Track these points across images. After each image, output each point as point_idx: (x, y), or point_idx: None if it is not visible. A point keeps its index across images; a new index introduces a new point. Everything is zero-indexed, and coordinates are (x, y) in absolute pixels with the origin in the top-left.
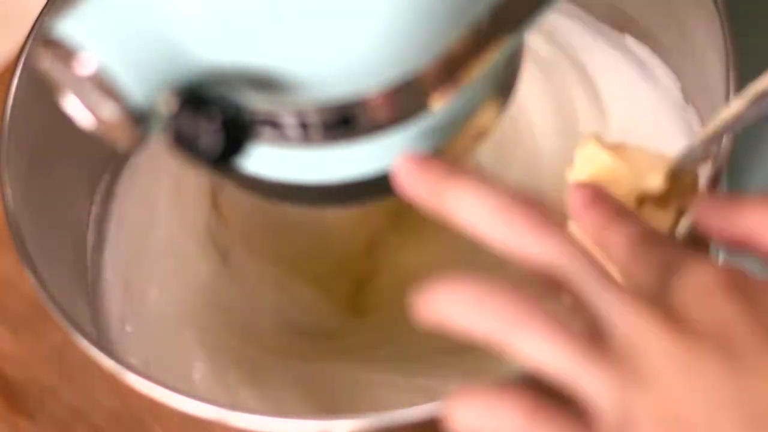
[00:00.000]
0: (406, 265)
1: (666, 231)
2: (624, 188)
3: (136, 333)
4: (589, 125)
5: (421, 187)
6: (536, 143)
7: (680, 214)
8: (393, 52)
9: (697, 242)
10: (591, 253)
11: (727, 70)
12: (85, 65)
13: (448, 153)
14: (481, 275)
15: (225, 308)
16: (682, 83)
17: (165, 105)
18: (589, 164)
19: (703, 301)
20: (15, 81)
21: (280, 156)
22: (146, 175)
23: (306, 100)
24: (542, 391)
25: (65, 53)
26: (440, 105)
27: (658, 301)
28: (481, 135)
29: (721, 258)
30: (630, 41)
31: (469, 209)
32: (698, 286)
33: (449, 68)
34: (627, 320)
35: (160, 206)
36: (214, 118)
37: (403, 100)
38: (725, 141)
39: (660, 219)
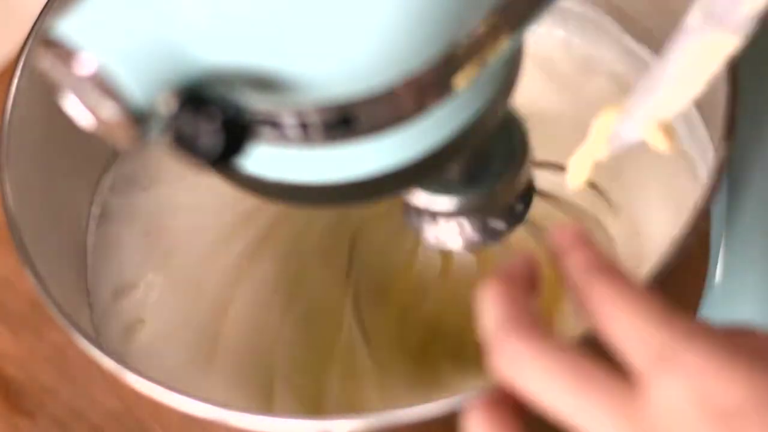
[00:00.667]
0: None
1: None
2: None
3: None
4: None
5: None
6: None
7: None
8: (393, 52)
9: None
10: None
11: (727, 71)
12: (85, 65)
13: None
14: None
15: (226, 308)
16: None
17: (165, 105)
18: (605, 133)
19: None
20: (15, 81)
21: (280, 156)
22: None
23: (306, 100)
24: None
25: (65, 53)
26: (441, 104)
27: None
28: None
29: (720, 260)
30: (630, 41)
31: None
32: (674, 405)
33: (449, 68)
34: None
35: None
36: (214, 118)
37: (404, 100)
38: (725, 145)
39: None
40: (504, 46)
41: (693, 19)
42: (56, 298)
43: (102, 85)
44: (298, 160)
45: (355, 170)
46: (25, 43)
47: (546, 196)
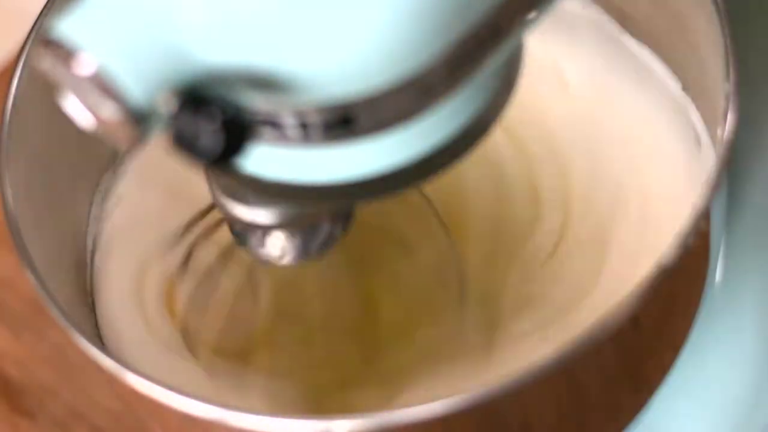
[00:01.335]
0: None
1: None
2: None
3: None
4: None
5: None
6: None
7: None
8: (394, 52)
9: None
10: None
11: (727, 70)
12: (85, 65)
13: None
14: None
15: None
16: (683, 83)
17: (165, 105)
18: None
19: None
20: (15, 81)
21: (279, 156)
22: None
23: (306, 100)
24: None
25: (65, 53)
26: (441, 104)
27: None
28: None
29: (720, 260)
30: (630, 41)
31: None
32: None
33: (450, 67)
34: None
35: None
36: (214, 118)
37: (404, 100)
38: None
39: None
40: (504, 45)
41: None
42: (56, 298)
43: (102, 85)
44: (298, 159)
45: (356, 170)
46: (25, 43)
47: None
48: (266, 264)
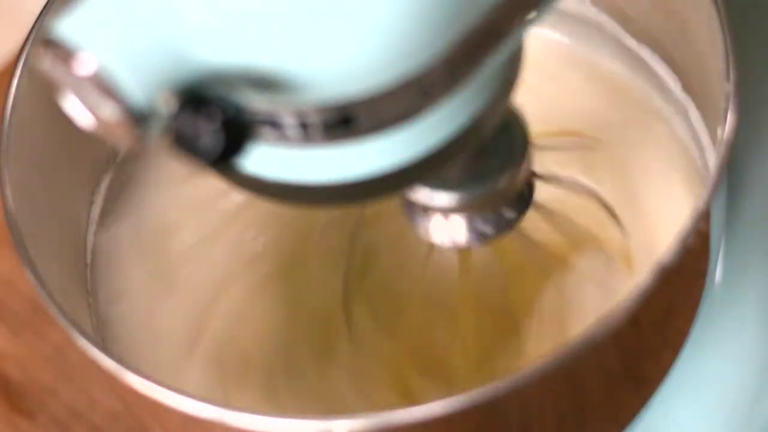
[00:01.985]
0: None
1: None
2: None
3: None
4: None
5: None
6: None
7: None
8: (394, 52)
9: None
10: None
11: (727, 70)
12: (85, 65)
13: None
14: None
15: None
16: (683, 82)
17: (165, 105)
18: None
19: None
20: (15, 81)
21: (279, 156)
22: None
23: (306, 100)
24: None
25: (65, 53)
26: (441, 104)
27: None
28: None
29: (720, 260)
30: (630, 41)
31: None
32: None
33: (451, 67)
34: None
35: None
36: (214, 118)
37: (404, 100)
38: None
39: None
40: (504, 45)
41: None
42: (56, 298)
43: (102, 85)
44: (298, 159)
45: (356, 170)
46: (25, 43)
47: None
48: (446, 247)
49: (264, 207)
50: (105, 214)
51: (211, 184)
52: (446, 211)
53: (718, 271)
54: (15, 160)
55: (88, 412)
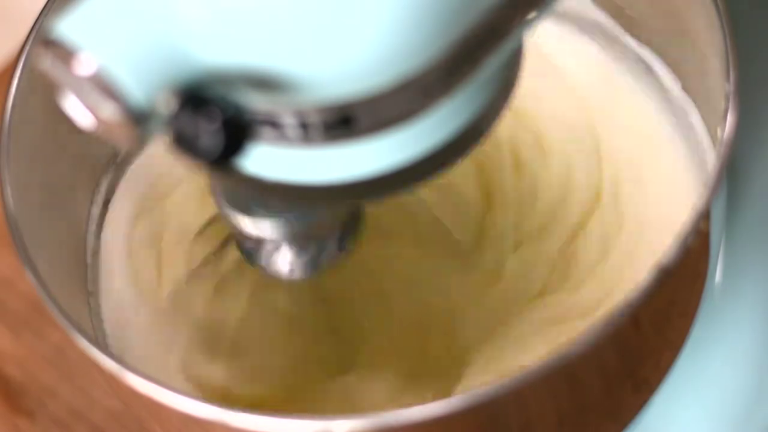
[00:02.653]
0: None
1: None
2: None
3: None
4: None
5: None
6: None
7: None
8: (394, 52)
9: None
10: None
11: (727, 70)
12: (85, 65)
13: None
14: None
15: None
16: (683, 83)
17: (165, 105)
18: None
19: None
20: (15, 81)
21: (279, 156)
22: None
23: (306, 100)
24: None
25: (65, 53)
26: (441, 104)
27: None
28: None
29: (720, 260)
30: (630, 41)
31: None
32: None
33: (451, 67)
34: None
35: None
36: (214, 118)
37: (405, 100)
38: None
39: None
40: (504, 45)
41: None
42: (56, 298)
43: (102, 85)
44: (298, 159)
45: (356, 170)
46: (25, 43)
47: None
48: (276, 278)
49: None
50: (105, 214)
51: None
52: (275, 243)
53: (718, 271)
54: (15, 160)
55: (88, 412)
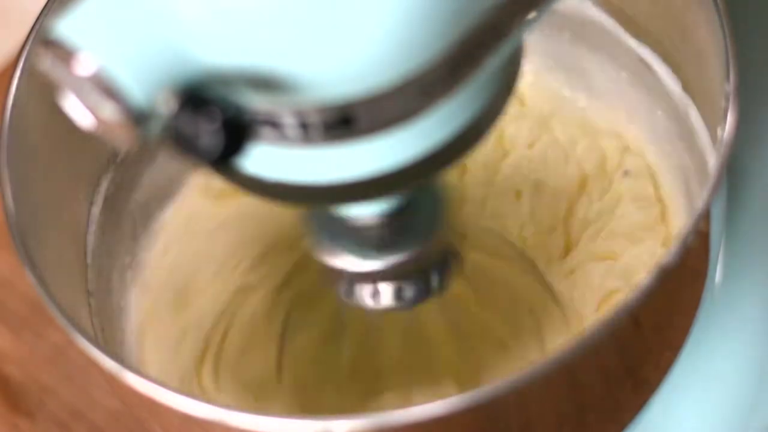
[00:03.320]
0: None
1: None
2: None
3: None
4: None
5: None
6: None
7: None
8: (394, 52)
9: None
10: None
11: (727, 70)
12: (85, 65)
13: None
14: None
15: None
16: (683, 83)
17: (165, 105)
18: None
19: None
20: (15, 81)
21: (279, 156)
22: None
23: (306, 100)
24: None
25: (65, 53)
26: (441, 104)
27: None
28: None
29: (720, 260)
30: (630, 41)
31: None
32: None
33: (451, 67)
34: None
35: None
36: (214, 118)
37: (405, 100)
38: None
39: None
40: (504, 45)
41: None
42: (56, 298)
43: (102, 85)
44: (298, 159)
45: (356, 170)
46: (25, 43)
47: None
48: (374, 311)
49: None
50: (105, 214)
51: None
52: (373, 278)
53: (718, 271)
54: (15, 160)
55: (88, 412)
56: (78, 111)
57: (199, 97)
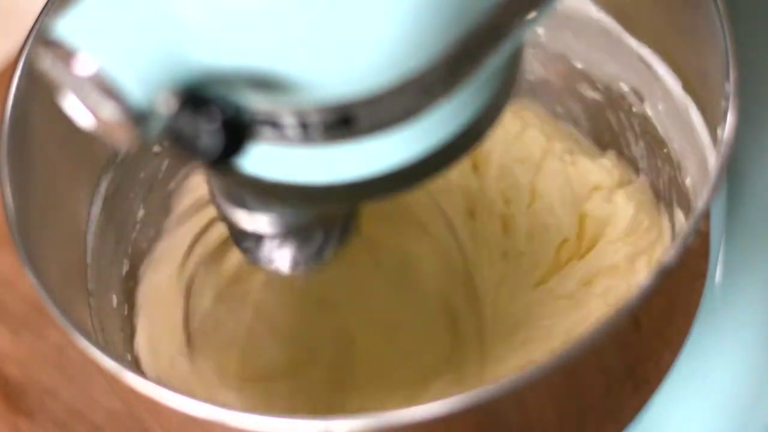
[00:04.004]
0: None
1: None
2: None
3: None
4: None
5: None
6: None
7: None
8: (394, 53)
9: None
10: None
11: (727, 70)
12: (85, 65)
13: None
14: None
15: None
16: (683, 83)
17: (165, 105)
18: None
19: None
20: (15, 81)
21: (279, 156)
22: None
23: (306, 100)
24: None
25: (65, 53)
26: (441, 104)
27: None
28: None
29: (720, 260)
30: (631, 41)
31: None
32: None
33: (451, 67)
34: None
35: None
36: (214, 118)
37: (405, 100)
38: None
39: None
40: (504, 45)
41: None
42: (56, 298)
43: (102, 85)
44: (298, 159)
45: (356, 170)
46: (25, 43)
47: None
48: (275, 274)
49: None
50: (105, 214)
51: None
52: (272, 238)
53: (718, 271)
54: (15, 160)
55: (88, 412)
56: (78, 111)
57: (199, 97)
